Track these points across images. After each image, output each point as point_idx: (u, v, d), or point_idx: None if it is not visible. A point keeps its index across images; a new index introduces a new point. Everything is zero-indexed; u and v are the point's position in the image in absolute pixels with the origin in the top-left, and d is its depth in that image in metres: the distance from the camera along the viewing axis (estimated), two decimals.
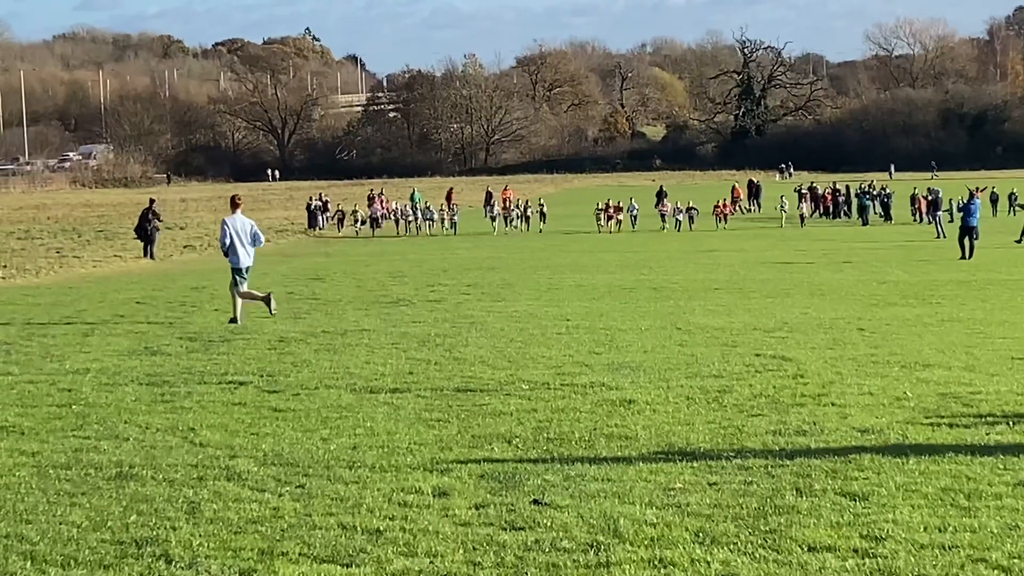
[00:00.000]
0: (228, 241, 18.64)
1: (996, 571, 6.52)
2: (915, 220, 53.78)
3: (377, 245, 45.43)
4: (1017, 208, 53.37)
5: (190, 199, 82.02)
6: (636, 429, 10.14)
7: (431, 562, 6.76)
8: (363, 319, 19.16)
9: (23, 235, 48.22)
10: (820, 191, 63.81)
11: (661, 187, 65.76)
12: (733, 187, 67.50)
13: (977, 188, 36.58)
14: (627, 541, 7.06)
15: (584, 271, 29.82)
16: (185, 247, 42.46)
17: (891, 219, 55.69)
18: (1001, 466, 8.67)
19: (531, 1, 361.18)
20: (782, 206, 55.68)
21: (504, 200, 59.03)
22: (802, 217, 54.33)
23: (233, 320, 18.40)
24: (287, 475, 8.74)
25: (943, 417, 10.51)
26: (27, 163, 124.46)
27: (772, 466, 8.75)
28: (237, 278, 18.60)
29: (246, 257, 18.77)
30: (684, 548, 6.91)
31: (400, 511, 7.76)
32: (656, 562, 6.70)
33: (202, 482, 8.56)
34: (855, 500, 7.85)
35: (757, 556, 6.78)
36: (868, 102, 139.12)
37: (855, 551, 6.83)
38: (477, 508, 7.81)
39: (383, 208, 55.88)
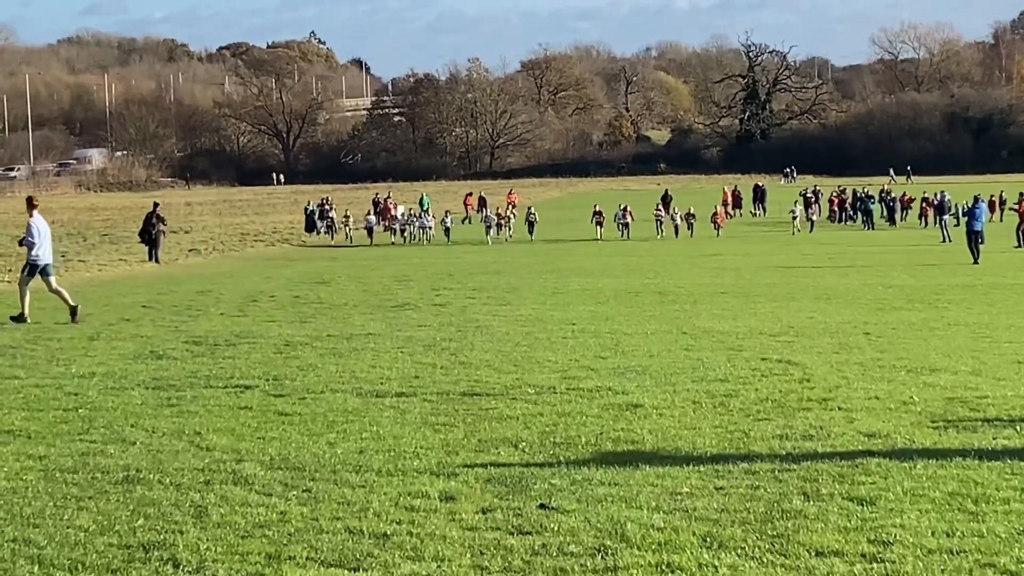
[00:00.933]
0: (36, 240, 19.80)
1: None
2: (921, 224, 53.83)
3: (382, 249, 45.39)
4: (1008, 211, 53.36)
5: (195, 203, 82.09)
6: (642, 433, 10.13)
7: (438, 566, 6.75)
8: (369, 323, 19.17)
9: None
10: (825, 195, 63.72)
11: (666, 191, 65.36)
12: (723, 191, 65.92)
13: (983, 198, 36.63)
14: (634, 545, 7.04)
15: (589, 275, 29.82)
16: (190, 251, 42.50)
17: (895, 223, 55.69)
18: (1009, 470, 8.65)
19: (536, 5, 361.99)
20: (794, 214, 52.42)
21: (508, 205, 58.97)
22: (812, 223, 54.05)
23: (19, 318, 19.39)
24: (294, 479, 8.73)
25: (950, 421, 10.48)
26: (30, 167, 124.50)
27: (779, 470, 8.73)
28: (41, 276, 19.82)
29: (48, 255, 20.09)
30: (691, 552, 6.90)
31: (407, 515, 7.74)
32: (663, 566, 6.69)
33: (209, 486, 8.54)
34: (862, 504, 7.83)
35: (764, 561, 6.77)
36: (873, 106, 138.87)
37: (862, 556, 6.82)
38: (484, 512, 7.80)
39: (386, 219, 54.47)
